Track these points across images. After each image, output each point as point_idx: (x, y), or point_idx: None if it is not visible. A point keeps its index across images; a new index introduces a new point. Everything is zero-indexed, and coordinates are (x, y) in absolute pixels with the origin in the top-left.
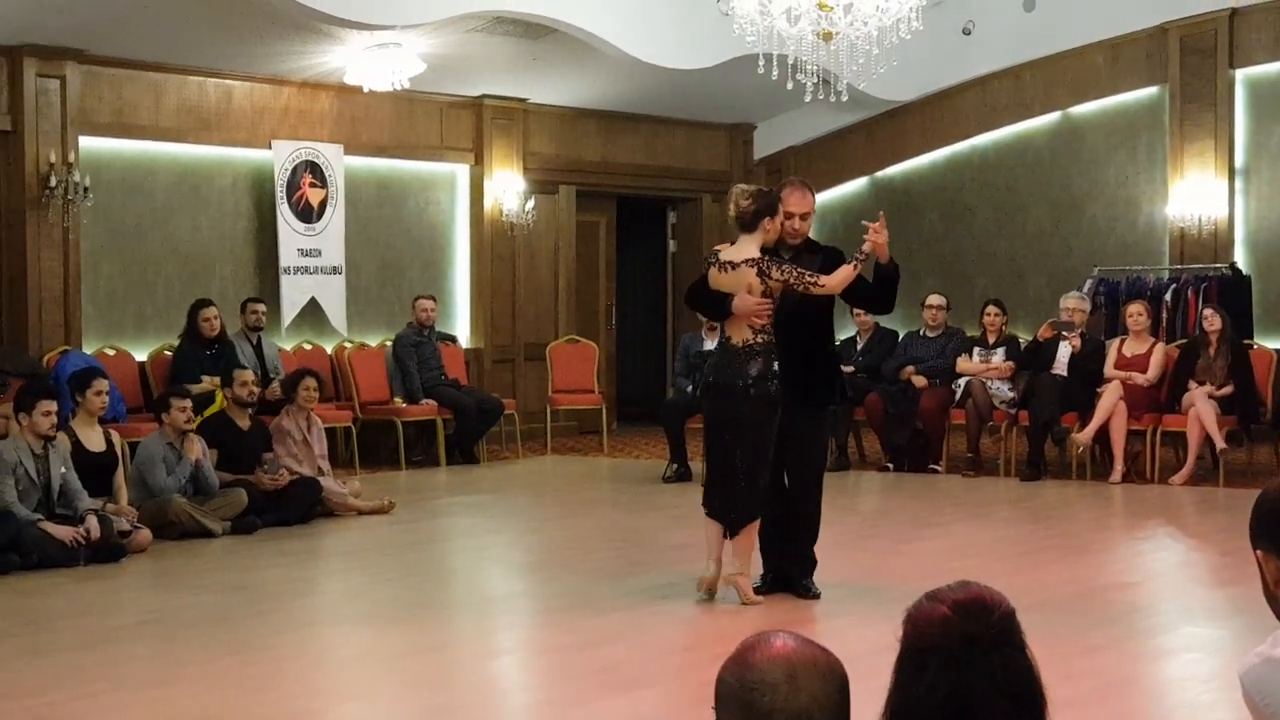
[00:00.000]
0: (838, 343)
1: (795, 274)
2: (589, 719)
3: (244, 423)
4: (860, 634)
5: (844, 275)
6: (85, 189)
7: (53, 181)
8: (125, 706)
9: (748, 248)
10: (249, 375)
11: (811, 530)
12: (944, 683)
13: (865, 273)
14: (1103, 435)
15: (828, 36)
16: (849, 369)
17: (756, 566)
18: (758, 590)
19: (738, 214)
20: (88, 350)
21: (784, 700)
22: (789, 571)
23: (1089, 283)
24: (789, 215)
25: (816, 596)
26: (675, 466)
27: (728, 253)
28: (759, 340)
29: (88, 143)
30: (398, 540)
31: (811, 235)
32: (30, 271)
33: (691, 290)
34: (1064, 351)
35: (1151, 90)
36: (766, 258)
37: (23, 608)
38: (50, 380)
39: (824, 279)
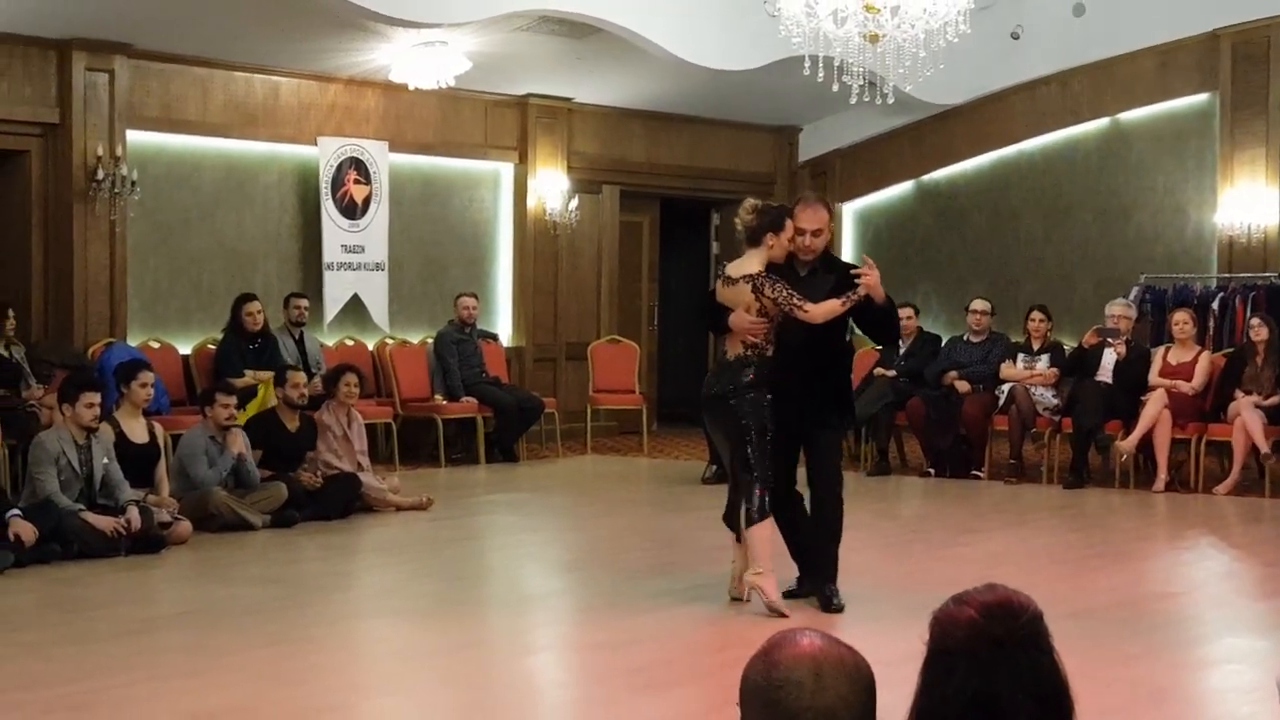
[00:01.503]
0: (880, 347)
1: (785, 295)
2: (620, 718)
3: (292, 424)
4: (893, 640)
5: (829, 308)
6: (132, 183)
7: (100, 175)
8: (161, 696)
9: (750, 264)
10: (301, 377)
11: (834, 529)
12: (970, 685)
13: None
14: (1146, 444)
15: (874, 39)
16: (890, 372)
17: (788, 570)
18: (792, 594)
19: (743, 228)
20: (132, 343)
21: (809, 699)
22: (811, 570)
23: (1135, 290)
24: (800, 231)
25: (839, 609)
26: (714, 468)
27: (732, 267)
28: (751, 354)
29: (135, 137)
30: (435, 536)
31: (852, 239)
32: (77, 264)
33: (702, 304)
34: (1109, 358)
35: (1202, 97)
36: (764, 275)
37: (63, 597)
38: (95, 372)
39: (810, 306)
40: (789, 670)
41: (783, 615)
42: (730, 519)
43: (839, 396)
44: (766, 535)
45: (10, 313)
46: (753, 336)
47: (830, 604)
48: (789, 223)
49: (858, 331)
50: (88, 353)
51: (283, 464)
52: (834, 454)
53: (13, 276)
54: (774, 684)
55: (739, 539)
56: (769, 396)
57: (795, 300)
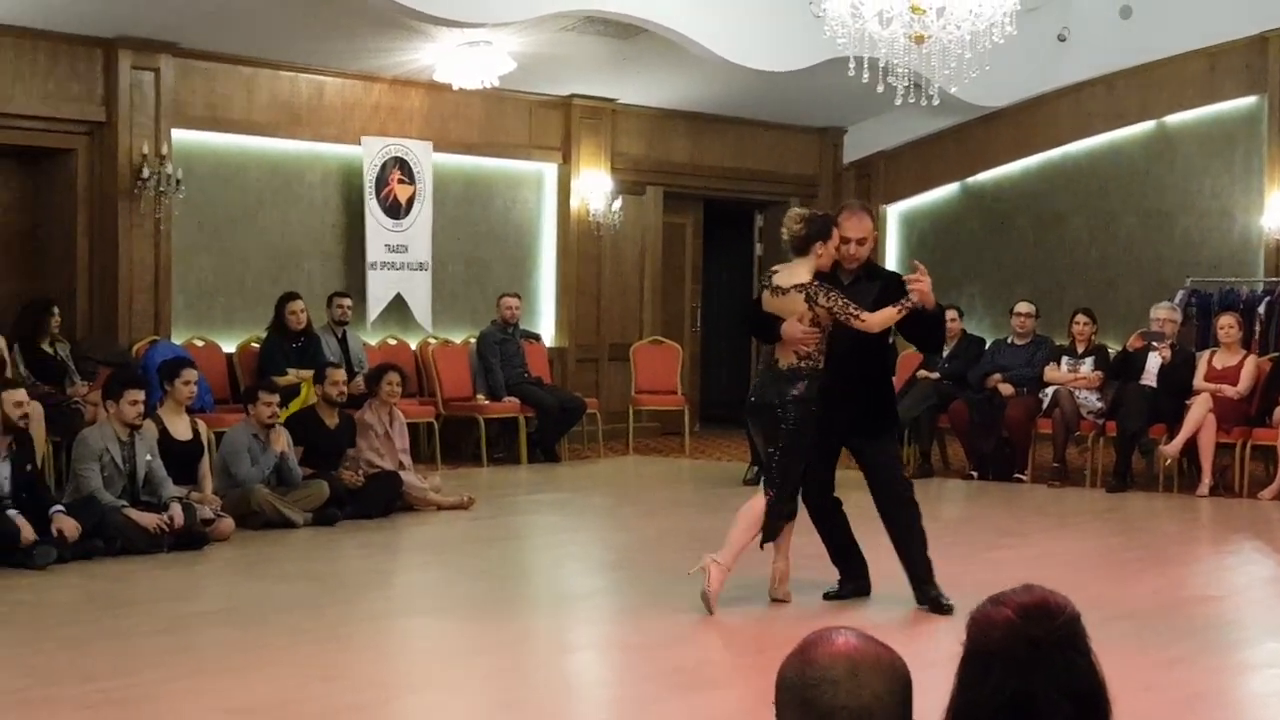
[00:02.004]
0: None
1: (840, 304)
2: (660, 717)
3: (332, 420)
4: (933, 641)
5: (886, 316)
6: (177, 181)
7: (145, 173)
8: (200, 691)
9: (799, 272)
10: (341, 375)
11: (916, 532)
12: (1007, 686)
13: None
14: (1191, 448)
15: (920, 39)
16: (934, 375)
17: (814, 573)
18: (833, 596)
19: (790, 238)
20: (176, 341)
21: (845, 697)
22: (913, 578)
23: (1180, 294)
24: (845, 240)
25: (949, 609)
26: (755, 469)
27: (780, 276)
28: (803, 365)
29: (180, 135)
30: (476, 536)
31: (897, 241)
32: (122, 262)
33: (747, 313)
34: (1153, 362)
35: (1250, 100)
36: (816, 284)
37: (105, 592)
38: (139, 369)
39: (866, 315)
40: (825, 669)
41: (710, 611)
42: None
43: (884, 404)
44: (746, 538)
45: (55, 310)
46: (805, 346)
47: (940, 605)
48: (835, 231)
49: (899, 336)
50: (132, 350)
51: (321, 461)
52: (893, 462)
53: (58, 274)
54: (809, 682)
55: (778, 540)
56: (814, 409)
57: (851, 309)
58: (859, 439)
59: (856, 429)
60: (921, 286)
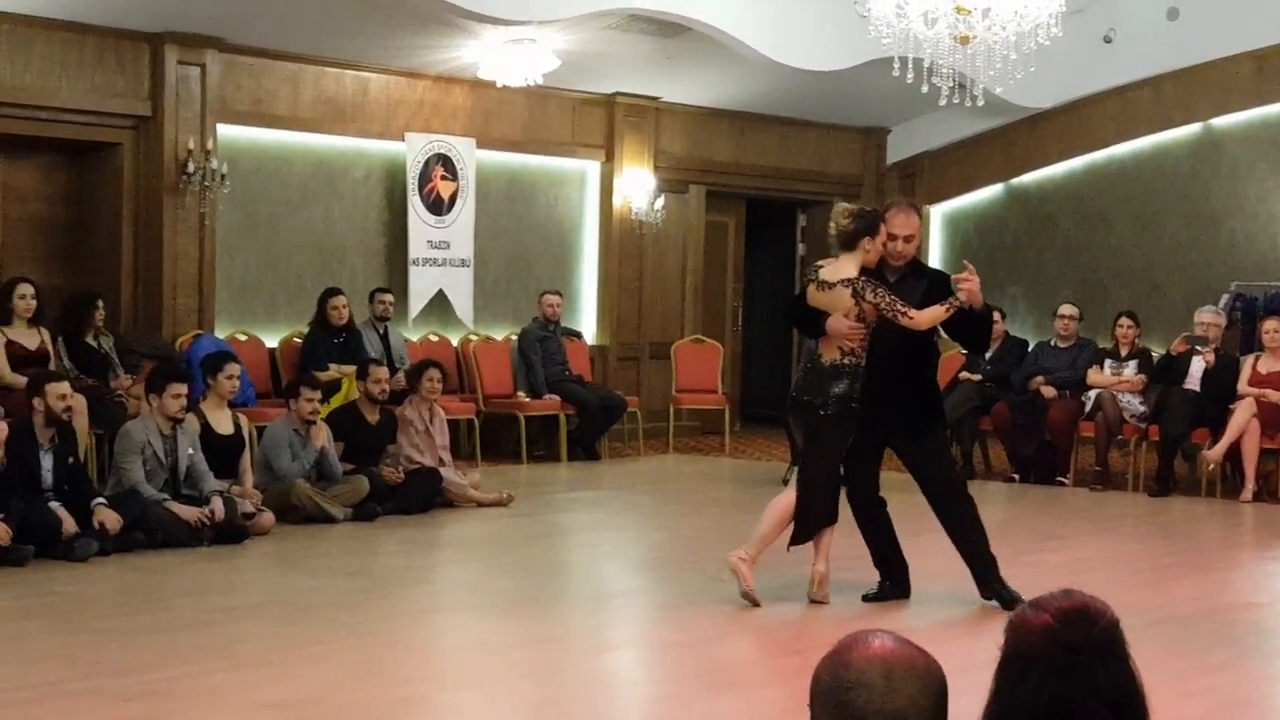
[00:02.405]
0: (966, 351)
1: (888, 301)
2: (697, 717)
3: (373, 416)
4: (970, 645)
5: (934, 314)
6: (222, 176)
7: (190, 168)
8: (237, 685)
9: (846, 267)
10: (384, 373)
11: (978, 535)
12: (1045, 691)
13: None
14: (1234, 453)
15: (965, 40)
16: (976, 377)
17: (854, 574)
18: (874, 597)
19: (838, 233)
20: (220, 335)
21: (880, 701)
22: (977, 575)
23: (1225, 297)
24: (892, 237)
25: (1013, 601)
26: (796, 469)
27: (826, 271)
28: (847, 362)
29: (226, 131)
30: (515, 533)
31: (941, 242)
32: (166, 256)
33: (790, 305)
34: (1197, 366)
35: None
36: (863, 279)
37: (145, 585)
38: (182, 363)
39: (914, 313)
40: (860, 672)
41: (756, 604)
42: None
43: (929, 402)
44: (783, 530)
45: (99, 303)
46: (850, 342)
47: (1006, 598)
48: (883, 227)
49: (943, 335)
50: (176, 344)
51: (362, 457)
52: (943, 459)
53: (103, 268)
54: (844, 685)
55: (816, 541)
56: (856, 408)
57: (899, 306)
58: (903, 437)
59: (901, 427)
60: (970, 285)
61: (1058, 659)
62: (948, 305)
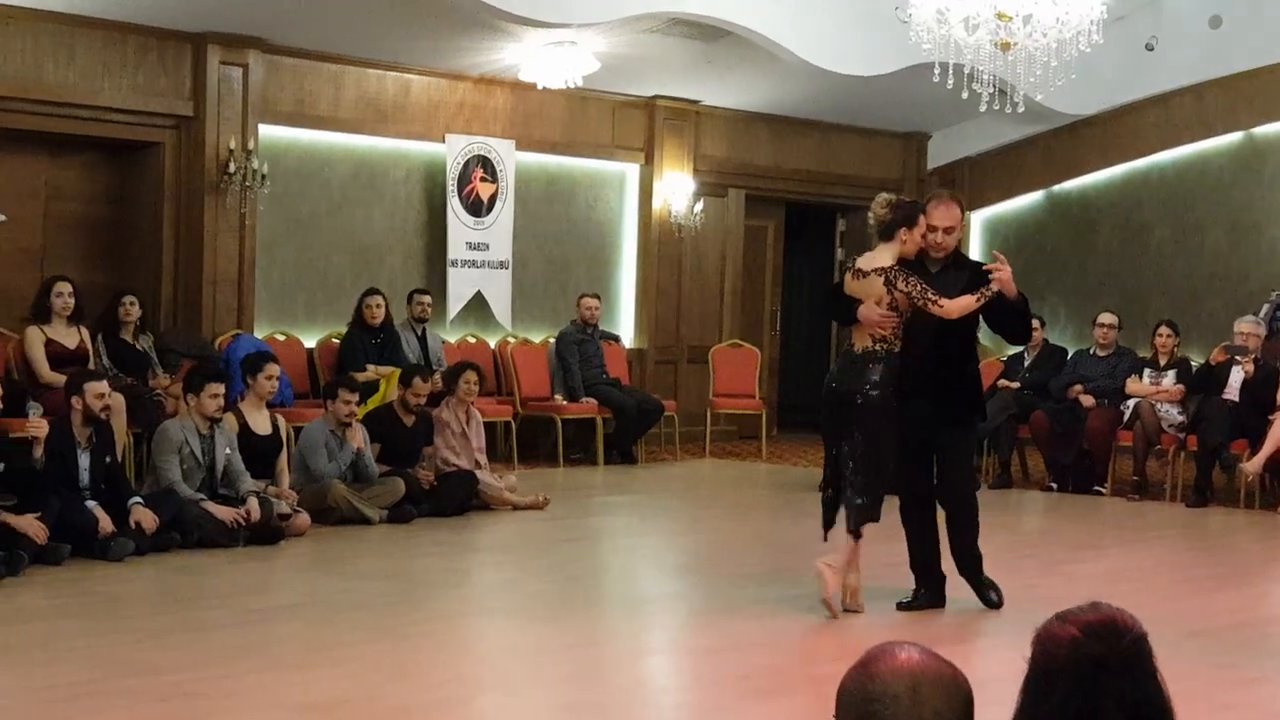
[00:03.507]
0: (1005, 358)
1: (919, 290)
2: None
3: (409, 419)
4: (1001, 656)
5: (964, 303)
6: (263, 176)
7: (232, 168)
8: (269, 686)
9: (882, 257)
10: (425, 388)
11: (971, 529)
12: (1071, 705)
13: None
14: (1273, 464)
15: (1006, 46)
16: (1015, 384)
17: (890, 581)
18: (906, 606)
19: (875, 222)
20: (259, 335)
21: (905, 713)
22: (970, 581)
23: (1266, 307)
24: (933, 229)
25: (997, 605)
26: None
27: (864, 260)
28: (879, 348)
29: (267, 131)
30: (551, 536)
31: (981, 248)
32: (206, 256)
33: (828, 294)
34: (1236, 376)
35: None
36: (896, 268)
37: (180, 585)
38: (221, 363)
39: (945, 302)
40: (886, 684)
41: (832, 615)
42: (828, 521)
43: (969, 394)
44: (854, 548)
45: (129, 300)
46: (882, 330)
47: (993, 602)
48: (922, 219)
49: (983, 341)
50: (215, 344)
51: (398, 459)
52: (965, 457)
53: (144, 266)
54: (870, 697)
55: (848, 552)
56: (895, 400)
57: (930, 295)
58: (938, 429)
59: (937, 419)
60: (1002, 275)
61: (1084, 672)
62: (979, 295)
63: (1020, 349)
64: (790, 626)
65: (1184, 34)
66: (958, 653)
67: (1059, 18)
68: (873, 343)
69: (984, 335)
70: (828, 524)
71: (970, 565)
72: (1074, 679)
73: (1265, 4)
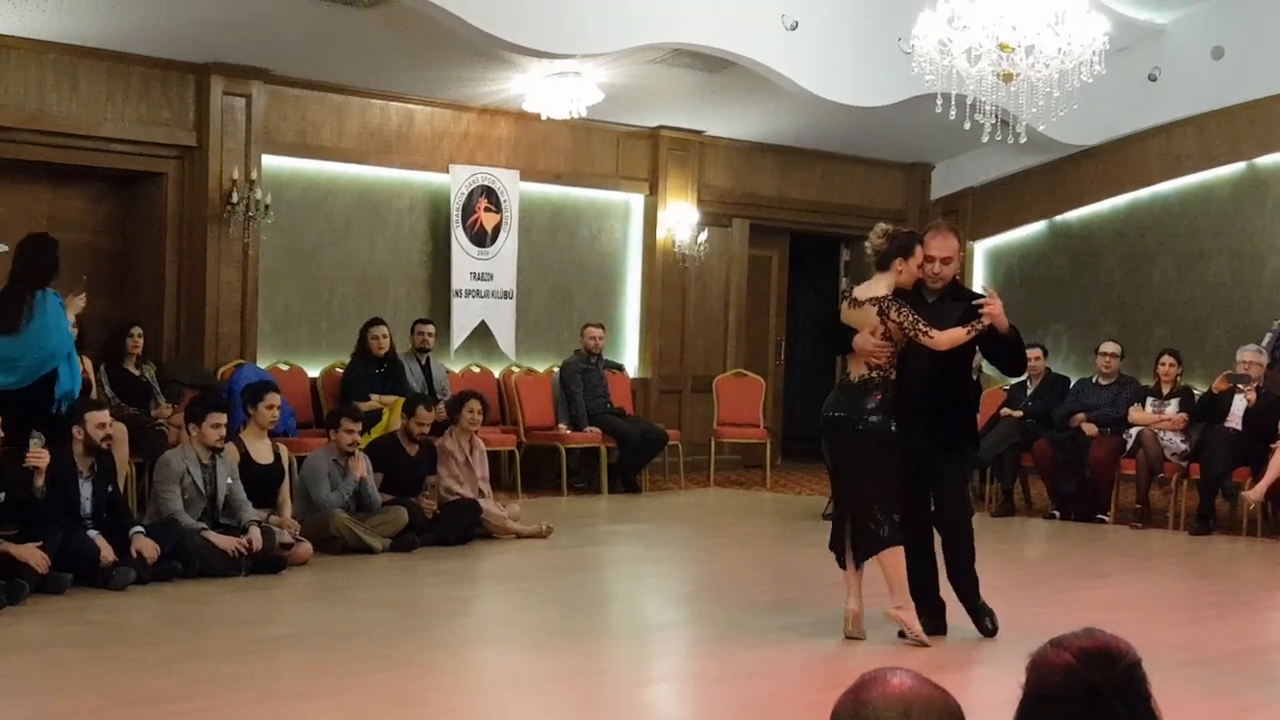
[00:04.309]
0: (1007, 387)
1: (910, 320)
2: None
3: (412, 448)
4: (998, 683)
5: (954, 336)
6: (266, 206)
7: (234, 198)
8: (274, 716)
9: (877, 287)
10: (429, 417)
11: (967, 554)
12: None
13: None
14: (1275, 492)
15: (1008, 77)
16: (1018, 413)
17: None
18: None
19: (872, 252)
20: (262, 365)
21: None
22: (965, 606)
23: (1268, 336)
24: (930, 259)
25: (991, 632)
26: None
27: (860, 290)
28: (875, 376)
29: (270, 161)
30: (554, 565)
31: (984, 278)
32: (209, 285)
33: (825, 323)
34: (1239, 405)
35: None
36: (890, 298)
37: (182, 615)
38: (223, 393)
39: (935, 333)
40: (878, 710)
41: (925, 645)
42: (836, 546)
43: (963, 422)
44: (898, 561)
45: (133, 330)
46: (876, 359)
47: (988, 629)
48: (919, 249)
49: (985, 371)
50: (217, 373)
51: (401, 488)
52: (960, 484)
53: (146, 296)
54: None
55: (845, 567)
56: (894, 427)
57: (921, 326)
58: (935, 454)
59: (932, 444)
60: (992, 308)
61: (1078, 699)
62: (970, 328)
63: (1024, 378)
64: (794, 655)
65: (1186, 65)
66: (956, 679)
67: (1061, 48)
68: (869, 371)
69: (987, 365)
70: (835, 544)
71: (966, 588)
72: (1068, 705)
73: (1267, 35)
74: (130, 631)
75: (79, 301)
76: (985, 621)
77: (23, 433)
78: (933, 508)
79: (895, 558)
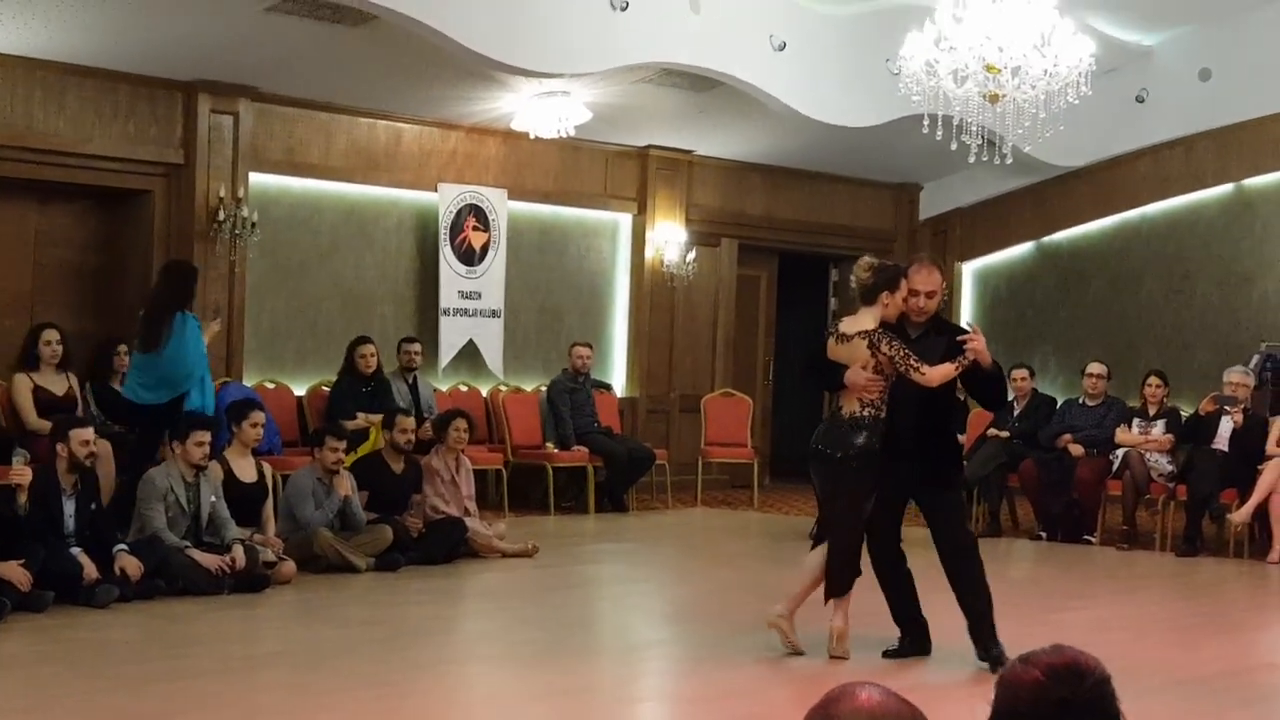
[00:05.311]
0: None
1: (901, 354)
2: None
3: (398, 466)
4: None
5: (944, 372)
6: (253, 224)
7: (221, 216)
8: None
9: (864, 320)
10: (410, 423)
11: (982, 596)
12: None
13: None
14: (1262, 513)
15: (994, 98)
16: (1004, 434)
17: (875, 630)
18: (893, 654)
19: (858, 286)
20: (248, 383)
21: None
22: (974, 635)
23: (1255, 358)
24: (914, 292)
25: (998, 660)
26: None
27: (846, 324)
28: (866, 414)
29: (257, 179)
30: (539, 584)
31: (971, 299)
32: (196, 303)
33: (808, 360)
34: (1225, 427)
35: None
36: (879, 331)
37: (165, 633)
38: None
39: (926, 369)
40: None
41: (800, 653)
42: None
43: (949, 456)
44: (809, 590)
45: (122, 349)
46: (869, 394)
47: (997, 663)
48: (904, 282)
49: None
50: None
51: (387, 506)
52: (957, 513)
53: (133, 314)
54: None
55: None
56: (877, 455)
57: (912, 361)
58: (923, 491)
59: (922, 480)
60: (976, 344)
61: (1047, 714)
62: (957, 363)
63: (1010, 398)
64: (778, 675)
65: (1174, 87)
66: (931, 697)
67: (1047, 70)
68: (860, 408)
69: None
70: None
71: (980, 633)
72: None
73: (1254, 57)
74: (112, 649)
75: (214, 326)
76: (993, 652)
77: (152, 448)
78: (936, 544)
79: (820, 578)
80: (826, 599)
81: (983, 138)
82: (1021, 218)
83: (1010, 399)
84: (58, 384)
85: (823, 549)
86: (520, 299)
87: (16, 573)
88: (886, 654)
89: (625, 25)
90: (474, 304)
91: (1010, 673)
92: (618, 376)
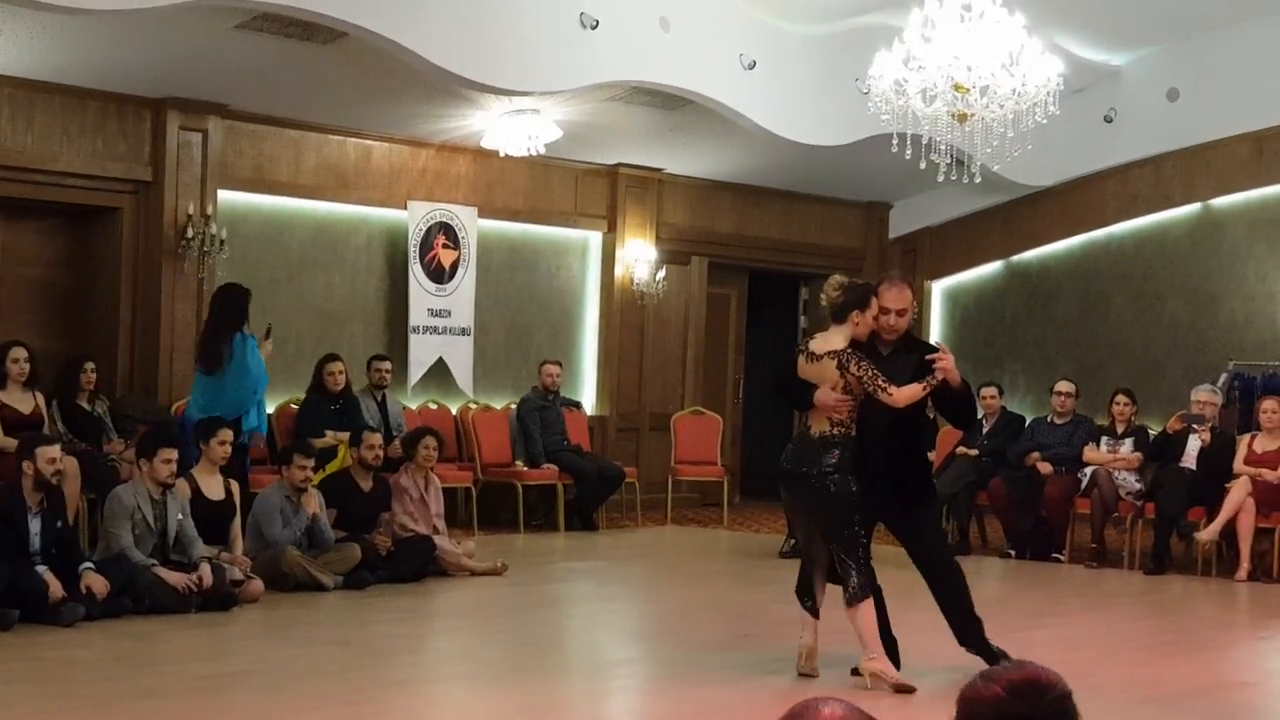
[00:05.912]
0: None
1: (870, 375)
2: None
3: (366, 484)
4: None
5: (912, 392)
6: (222, 242)
7: (190, 233)
8: None
9: (834, 339)
10: (377, 439)
11: (963, 594)
12: None
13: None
14: (1229, 531)
15: (963, 118)
16: (973, 452)
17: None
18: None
19: (828, 304)
20: None
21: None
22: (978, 651)
23: (1224, 376)
24: (884, 310)
25: (997, 657)
26: (792, 542)
27: (816, 343)
28: (836, 433)
29: (226, 196)
30: (508, 602)
31: (941, 318)
32: (164, 321)
33: (778, 379)
34: (1193, 445)
35: None
36: (849, 351)
37: (131, 652)
38: (176, 429)
39: (893, 390)
40: None
41: (912, 690)
42: (802, 593)
43: (921, 474)
44: (868, 614)
45: (89, 366)
46: (838, 414)
47: (993, 655)
48: (874, 300)
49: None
50: (171, 409)
51: (356, 524)
52: (935, 525)
53: (101, 331)
54: None
55: (813, 614)
56: (854, 486)
57: (880, 382)
58: (896, 510)
59: (894, 501)
60: (945, 364)
61: None
62: (925, 383)
63: (979, 416)
64: (746, 693)
65: (1142, 106)
66: (897, 714)
67: (1016, 89)
68: (829, 427)
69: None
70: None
71: (972, 634)
72: None
73: (1221, 77)
74: (78, 668)
75: (268, 346)
76: (994, 651)
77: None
78: (915, 562)
79: (864, 612)
80: (849, 606)
81: (951, 157)
82: (990, 237)
83: (979, 417)
84: (24, 402)
85: (862, 607)
86: (490, 317)
87: None
88: (855, 672)
89: (596, 43)
90: (444, 322)
91: (971, 689)
92: (588, 394)
